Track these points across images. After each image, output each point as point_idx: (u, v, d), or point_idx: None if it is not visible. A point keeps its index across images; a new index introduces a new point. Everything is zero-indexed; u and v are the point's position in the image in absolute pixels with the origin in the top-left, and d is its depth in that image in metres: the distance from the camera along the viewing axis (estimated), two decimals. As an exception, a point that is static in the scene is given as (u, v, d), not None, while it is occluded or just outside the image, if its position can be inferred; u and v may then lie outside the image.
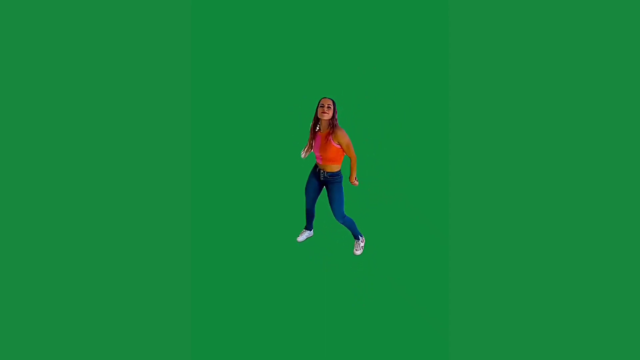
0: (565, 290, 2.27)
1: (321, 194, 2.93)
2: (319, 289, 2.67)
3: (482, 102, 2.47)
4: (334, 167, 2.75)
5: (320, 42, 3.21)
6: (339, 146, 2.63)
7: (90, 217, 2.35)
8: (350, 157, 2.76)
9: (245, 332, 2.36)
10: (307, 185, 2.88)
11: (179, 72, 2.50)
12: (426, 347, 2.25)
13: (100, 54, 2.42)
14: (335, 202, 2.79)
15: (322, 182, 2.82)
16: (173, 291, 2.34)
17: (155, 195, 2.42)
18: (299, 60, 3.28)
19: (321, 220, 3.19)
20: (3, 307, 2.23)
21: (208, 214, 3.22)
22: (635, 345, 2.12)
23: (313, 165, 2.90)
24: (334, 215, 2.84)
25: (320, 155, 2.69)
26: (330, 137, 2.62)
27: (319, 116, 2.63)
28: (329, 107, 2.61)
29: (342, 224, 2.88)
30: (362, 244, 3.00)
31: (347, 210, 2.99)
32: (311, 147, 2.73)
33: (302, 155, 2.79)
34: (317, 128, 2.69)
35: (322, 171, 2.77)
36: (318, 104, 2.65)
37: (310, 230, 3.12)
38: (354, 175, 2.81)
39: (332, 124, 2.62)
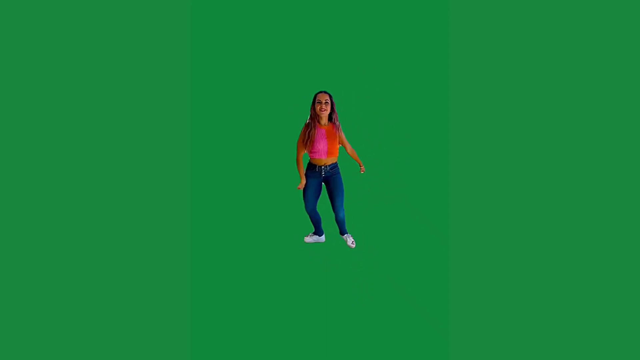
0: (565, 290, 2.30)
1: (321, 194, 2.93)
2: (318, 289, 2.67)
3: (482, 101, 2.48)
4: (334, 159, 2.75)
5: (320, 42, 3.20)
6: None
7: (90, 217, 2.30)
8: (346, 147, 2.78)
9: (245, 332, 2.34)
10: (306, 191, 2.78)
11: (179, 71, 2.46)
12: (426, 346, 2.27)
13: (100, 54, 2.38)
14: (340, 194, 2.76)
15: (323, 179, 2.80)
16: (173, 291, 2.31)
17: (156, 195, 2.39)
18: (299, 60, 3.26)
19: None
20: (3, 307, 2.20)
21: (208, 214, 3.18)
22: (636, 345, 2.15)
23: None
24: (337, 209, 2.79)
25: (328, 150, 2.66)
26: (335, 129, 2.63)
27: (318, 113, 2.60)
28: (326, 103, 2.59)
29: (342, 217, 2.85)
30: (350, 236, 3.02)
31: (347, 210, 2.99)
32: (305, 155, 2.72)
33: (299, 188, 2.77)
34: (310, 127, 2.63)
35: (324, 167, 2.73)
36: (314, 102, 2.62)
37: (321, 235, 3.05)
38: (361, 163, 2.92)
39: (333, 117, 2.63)
